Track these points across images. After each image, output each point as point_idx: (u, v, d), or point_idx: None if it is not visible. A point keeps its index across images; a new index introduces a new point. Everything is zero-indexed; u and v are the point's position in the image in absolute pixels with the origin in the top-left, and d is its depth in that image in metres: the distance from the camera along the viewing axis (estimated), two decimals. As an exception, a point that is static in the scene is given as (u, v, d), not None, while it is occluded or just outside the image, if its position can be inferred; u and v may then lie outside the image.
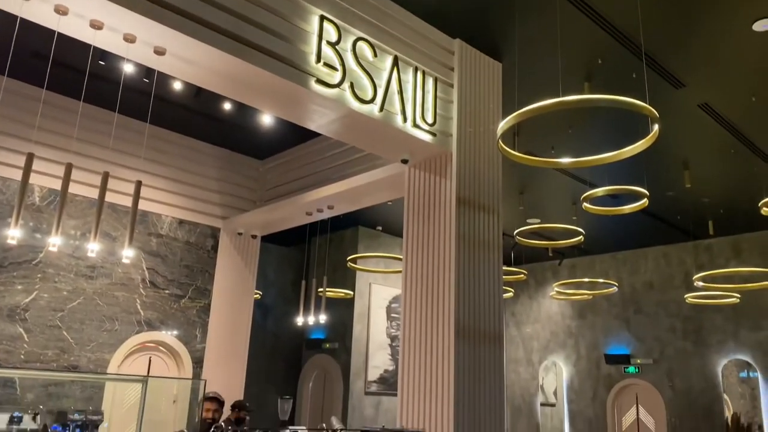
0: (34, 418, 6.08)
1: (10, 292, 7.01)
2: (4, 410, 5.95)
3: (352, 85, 5.04)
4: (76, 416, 6.39)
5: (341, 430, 4.55)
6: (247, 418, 6.51)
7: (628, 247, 12.64)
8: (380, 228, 12.49)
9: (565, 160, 5.34)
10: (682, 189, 8.86)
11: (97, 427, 6.52)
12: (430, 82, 5.72)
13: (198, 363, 8.31)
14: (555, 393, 13.63)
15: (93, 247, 4.17)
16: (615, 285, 11.24)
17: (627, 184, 6.98)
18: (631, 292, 12.56)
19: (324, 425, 4.94)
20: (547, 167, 7.95)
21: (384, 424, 10.94)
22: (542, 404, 13.65)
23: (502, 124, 4.41)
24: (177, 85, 6.70)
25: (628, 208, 6.93)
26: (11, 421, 5.80)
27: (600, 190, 6.88)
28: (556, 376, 13.67)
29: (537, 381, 13.78)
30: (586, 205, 6.95)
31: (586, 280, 11.64)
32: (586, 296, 11.51)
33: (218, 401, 6.29)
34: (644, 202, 6.86)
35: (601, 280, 11.69)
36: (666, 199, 9.44)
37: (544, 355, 13.81)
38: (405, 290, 5.75)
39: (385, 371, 12.33)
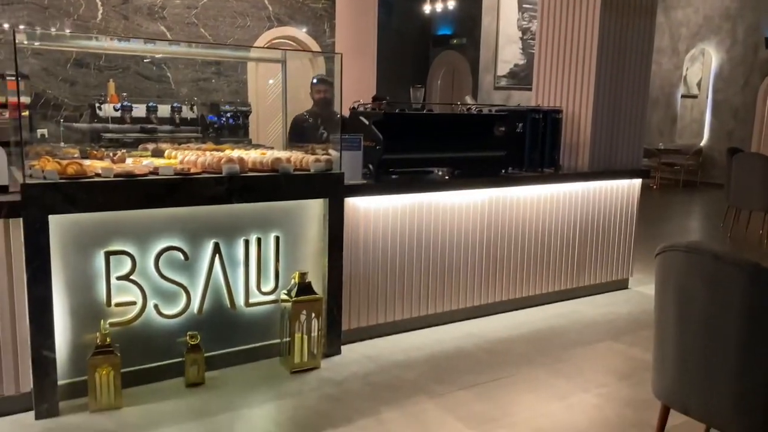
0: (191, 108, 6.67)
1: (144, -9, 7.16)
2: (164, 102, 6.55)
3: None
4: (228, 107, 6.95)
5: (475, 104, 4.54)
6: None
7: None
8: None
9: None
10: None
11: (247, 117, 7.08)
12: None
13: (330, 59, 8.43)
14: (698, 84, 12.75)
15: None
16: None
17: None
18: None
19: (459, 102, 4.96)
20: None
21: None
22: (683, 96, 12.93)
23: None
24: None
25: None
26: (173, 110, 6.42)
27: None
28: (703, 65, 12.62)
29: (680, 71, 12.86)
30: None
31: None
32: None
33: (328, 83, 6.04)
34: None
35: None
36: None
37: (693, 43, 12.60)
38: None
39: (515, 65, 11.99)
